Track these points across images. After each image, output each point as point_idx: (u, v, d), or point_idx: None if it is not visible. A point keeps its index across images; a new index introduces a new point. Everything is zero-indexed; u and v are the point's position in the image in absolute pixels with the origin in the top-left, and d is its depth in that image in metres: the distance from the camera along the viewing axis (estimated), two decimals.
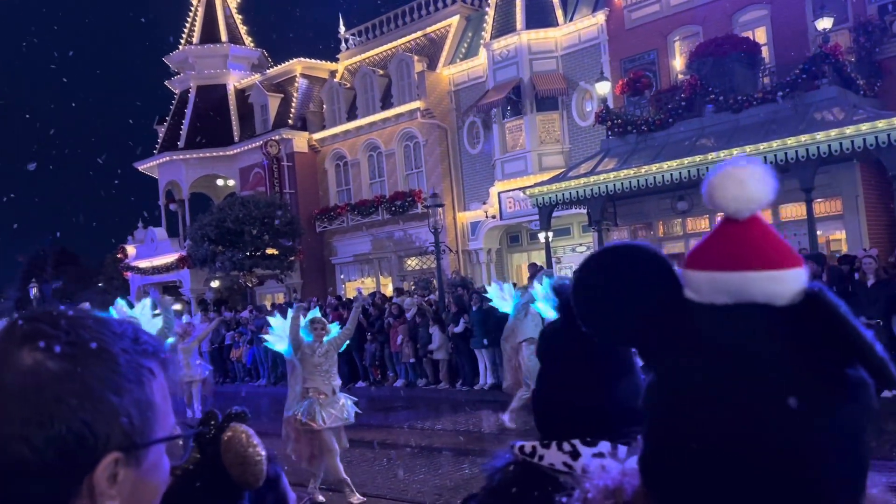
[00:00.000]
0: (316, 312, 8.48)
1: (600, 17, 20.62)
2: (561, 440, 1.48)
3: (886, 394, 10.85)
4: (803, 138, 13.93)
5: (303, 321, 7.90)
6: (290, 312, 8.05)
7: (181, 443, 0.92)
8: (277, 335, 8.35)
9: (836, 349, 0.66)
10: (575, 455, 1.44)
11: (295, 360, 7.87)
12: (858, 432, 0.69)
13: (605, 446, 1.44)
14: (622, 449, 1.39)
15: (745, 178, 0.72)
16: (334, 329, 8.12)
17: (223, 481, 1.43)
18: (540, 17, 21.53)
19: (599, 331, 0.77)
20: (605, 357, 1.49)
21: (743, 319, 0.69)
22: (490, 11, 22.59)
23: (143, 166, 31.05)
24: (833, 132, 13.71)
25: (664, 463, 0.73)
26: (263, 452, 1.46)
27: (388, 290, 23.28)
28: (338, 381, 7.96)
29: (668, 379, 0.73)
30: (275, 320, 8.53)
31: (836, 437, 0.68)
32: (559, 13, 21.62)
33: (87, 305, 0.88)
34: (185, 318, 15.24)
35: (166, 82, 31.52)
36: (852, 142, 13.45)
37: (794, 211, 16.56)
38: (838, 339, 0.66)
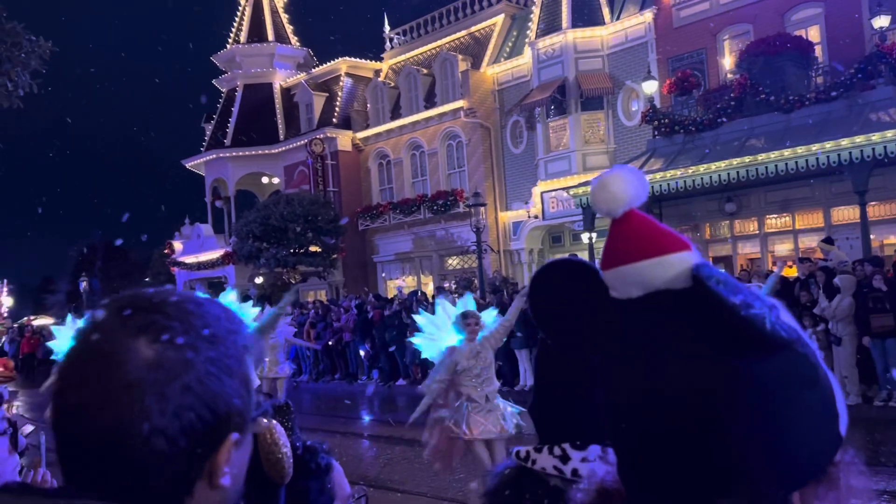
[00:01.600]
0: (470, 302, 7.08)
1: (648, 15, 20.33)
2: (553, 444, 1.56)
3: (878, 402, 10.58)
4: (858, 139, 13.53)
5: (451, 312, 6.81)
6: (439, 305, 7.04)
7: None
8: (429, 334, 7.06)
9: (722, 318, 0.69)
10: (565, 459, 1.53)
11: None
12: (771, 397, 0.71)
13: (594, 450, 1.52)
14: (612, 451, 1.43)
15: (606, 182, 0.79)
16: (488, 320, 6.95)
17: (261, 475, 1.47)
18: (586, 15, 21.32)
19: (554, 338, 0.84)
20: (590, 366, 1.55)
21: (649, 307, 0.75)
22: (535, 10, 22.44)
23: (191, 164, 31.61)
24: (889, 133, 13.29)
25: (618, 452, 0.79)
26: (286, 450, 1.48)
27: (429, 289, 23.30)
28: (494, 386, 6.84)
29: (602, 374, 0.80)
30: (421, 318, 7.25)
31: (744, 406, 0.70)
32: (606, 11, 21.38)
33: (170, 287, 0.88)
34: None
35: (214, 81, 32.04)
36: None
37: (847, 214, 16.11)
38: (719, 308, 0.69)
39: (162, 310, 0.79)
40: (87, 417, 0.74)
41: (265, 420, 1.49)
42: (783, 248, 17.71)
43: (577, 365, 1.56)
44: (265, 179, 30.79)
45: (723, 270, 0.74)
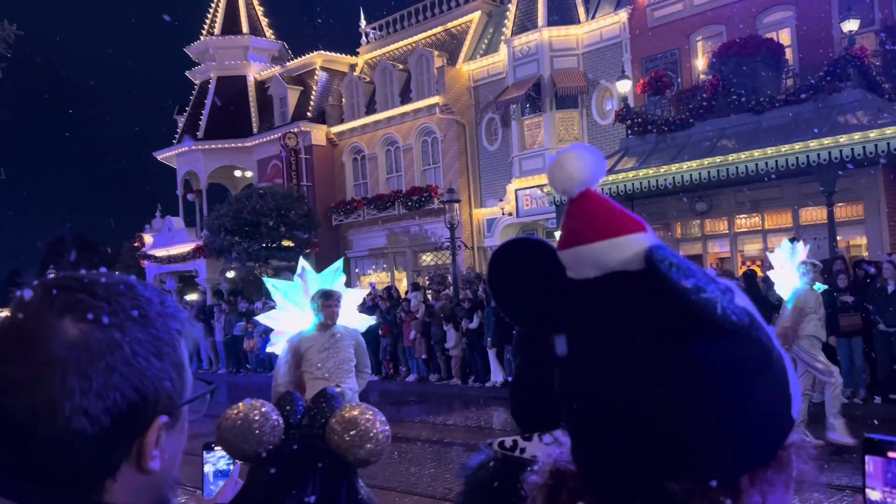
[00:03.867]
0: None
1: (623, 15, 20.47)
2: (542, 432, 1.52)
3: (843, 399, 10.79)
4: (826, 141, 13.76)
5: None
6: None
7: (208, 398, 0.91)
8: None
9: (673, 302, 0.69)
10: (558, 445, 1.50)
11: None
12: (723, 381, 0.71)
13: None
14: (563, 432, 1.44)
15: (563, 162, 0.78)
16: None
17: (335, 461, 1.41)
18: (562, 14, 21.42)
19: (512, 316, 0.83)
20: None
21: (604, 288, 0.74)
22: (511, 8, 22.49)
23: (162, 156, 31.24)
24: (857, 135, 13.53)
25: (571, 435, 0.80)
26: (385, 427, 1.47)
27: (403, 285, 23.28)
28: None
29: (557, 358, 0.79)
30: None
31: (695, 390, 0.70)
32: (581, 11, 21.49)
33: (104, 269, 0.87)
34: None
35: (187, 72, 31.67)
36: (876, 146, 13.27)
37: (814, 214, 16.37)
38: (670, 292, 0.69)
39: (90, 290, 0.79)
40: (6, 395, 0.73)
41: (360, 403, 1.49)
42: (752, 247, 17.96)
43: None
44: (238, 173, 30.52)
45: (679, 254, 0.74)
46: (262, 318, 7.04)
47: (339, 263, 6.60)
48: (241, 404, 1.45)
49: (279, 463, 1.39)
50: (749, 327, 0.72)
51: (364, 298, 7.02)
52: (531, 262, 0.81)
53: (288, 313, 6.28)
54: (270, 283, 6.56)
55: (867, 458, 0.92)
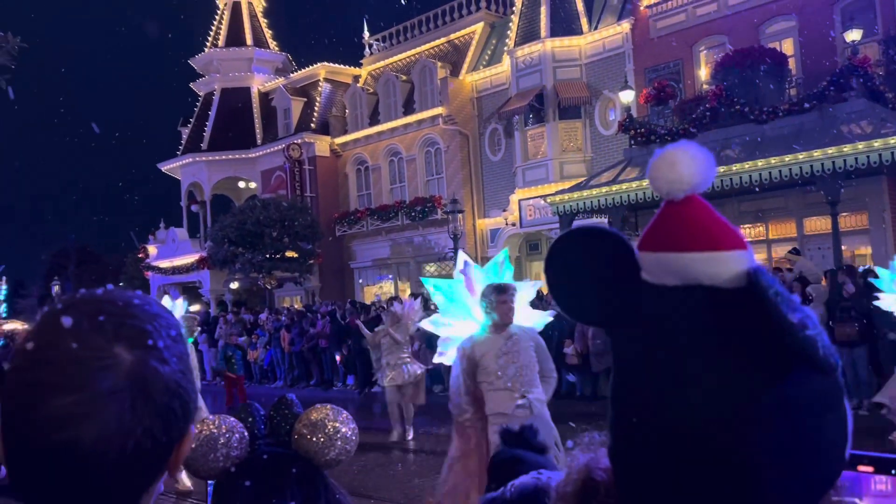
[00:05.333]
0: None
1: (625, 25, 20.52)
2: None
3: (863, 411, 10.75)
4: (830, 151, 13.74)
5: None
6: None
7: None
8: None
9: (773, 333, 0.66)
10: (540, 475, 1.55)
11: None
12: (803, 421, 0.68)
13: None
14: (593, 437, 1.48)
15: (675, 160, 0.74)
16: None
17: (305, 465, 1.41)
18: (564, 25, 21.47)
19: (568, 309, 0.79)
20: None
21: (685, 300, 0.70)
22: (514, 19, 22.56)
23: (167, 167, 31.33)
24: (861, 145, 13.50)
25: (618, 445, 0.75)
26: (353, 425, 1.46)
27: (406, 296, 23.25)
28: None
29: (617, 359, 0.75)
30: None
31: (769, 420, 0.67)
32: (584, 21, 21.55)
33: (110, 286, 0.88)
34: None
35: (191, 84, 31.80)
36: (880, 155, 13.24)
37: (819, 224, 16.34)
38: (772, 322, 0.66)
39: (132, 313, 0.81)
40: (72, 427, 0.74)
41: (324, 405, 1.49)
42: (756, 257, 17.64)
43: None
44: (242, 184, 30.59)
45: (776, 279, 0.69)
46: (426, 325, 5.89)
47: (504, 254, 5.67)
48: (201, 422, 1.43)
49: (252, 474, 1.38)
50: (838, 369, 0.69)
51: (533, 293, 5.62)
52: (598, 255, 0.76)
53: (454, 317, 5.41)
54: (430, 283, 5.61)
55: None
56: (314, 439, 1.41)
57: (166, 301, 9.23)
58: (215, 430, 1.41)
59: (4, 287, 42.40)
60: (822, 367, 0.66)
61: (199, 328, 8.64)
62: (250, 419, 1.48)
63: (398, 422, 11.60)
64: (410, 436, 11.54)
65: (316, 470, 1.41)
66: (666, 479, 0.70)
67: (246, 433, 1.44)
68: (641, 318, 0.72)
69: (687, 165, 0.74)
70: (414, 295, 16.81)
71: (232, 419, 1.45)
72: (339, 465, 1.43)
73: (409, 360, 11.48)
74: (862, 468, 0.95)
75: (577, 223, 18.42)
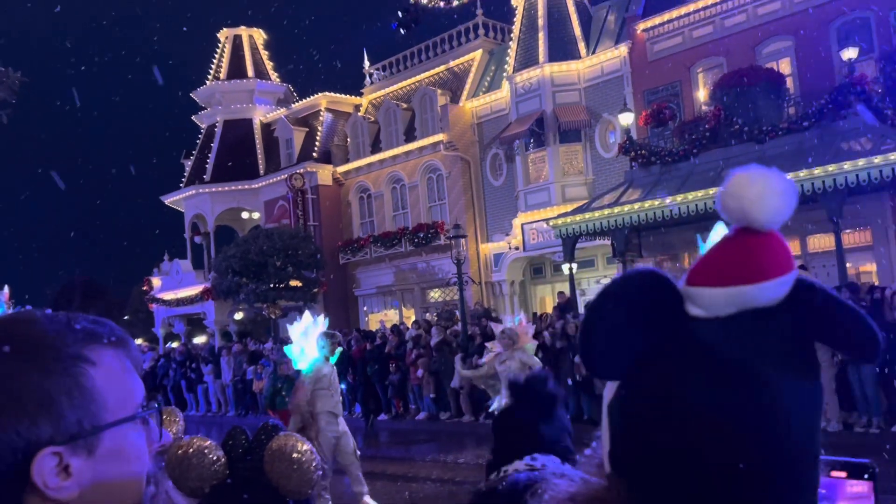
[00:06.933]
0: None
1: (623, 49, 20.69)
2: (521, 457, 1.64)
3: (858, 428, 10.65)
4: (830, 168, 13.77)
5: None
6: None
7: (151, 422, 0.90)
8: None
9: (826, 333, 0.68)
10: (534, 460, 1.60)
11: None
12: (819, 412, 0.72)
13: (553, 460, 1.58)
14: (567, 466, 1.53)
15: (783, 190, 0.73)
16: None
17: (268, 494, 1.42)
18: (562, 49, 21.66)
19: (600, 365, 0.76)
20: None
21: (747, 327, 0.69)
22: (513, 45, 22.77)
23: (170, 199, 31.47)
24: (861, 162, 13.54)
25: (647, 463, 0.73)
26: (317, 456, 1.46)
27: (410, 322, 23.20)
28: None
29: (663, 391, 0.72)
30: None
31: (807, 415, 0.70)
32: (581, 46, 21.73)
33: (28, 308, 0.88)
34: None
35: (193, 117, 32.05)
36: (881, 171, 13.27)
37: (822, 242, 16.32)
38: (832, 323, 0.67)
39: None
40: None
41: (289, 433, 1.49)
42: None
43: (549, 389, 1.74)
44: (245, 214, 30.69)
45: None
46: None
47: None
48: (185, 440, 1.46)
49: (221, 499, 1.39)
50: None
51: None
52: (641, 297, 0.73)
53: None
54: None
55: None
56: (274, 467, 1.41)
57: (307, 317, 8.36)
58: (191, 451, 1.42)
59: None
60: (870, 357, 0.69)
61: (340, 347, 8.11)
62: (231, 442, 1.49)
63: None
64: None
65: (275, 497, 1.40)
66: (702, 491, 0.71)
67: (222, 456, 1.45)
68: (696, 352, 0.70)
69: (793, 196, 0.73)
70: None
71: (211, 441, 1.47)
72: (302, 497, 1.42)
73: None
74: (835, 473, 0.96)
75: (579, 245, 18.41)
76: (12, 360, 0.80)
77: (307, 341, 7.94)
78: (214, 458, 1.44)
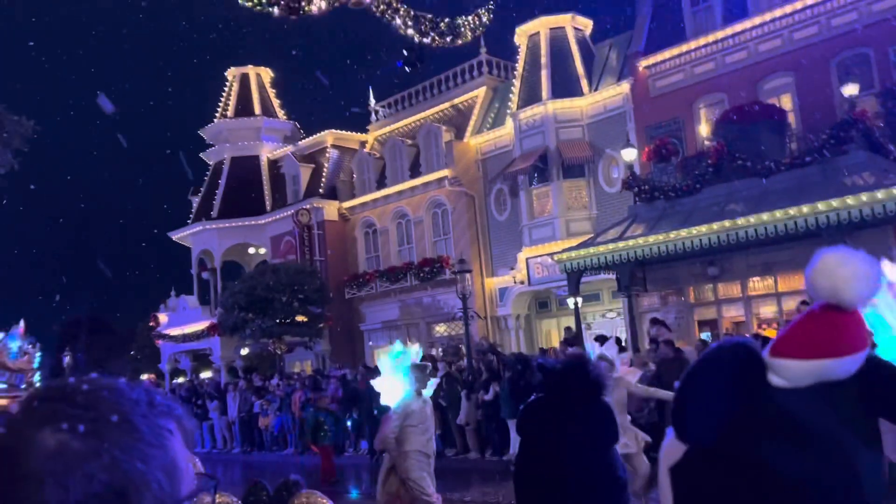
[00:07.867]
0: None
1: (625, 86, 20.94)
2: None
3: None
4: (834, 203, 13.84)
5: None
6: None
7: (212, 492, 0.92)
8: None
9: (888, 408, 0.73)
10: None
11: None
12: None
13: None
14: None
15: (870, 275, 0.77)
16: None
17: None
18: (565, 87, 21.93)
19: (694, 432, 0.80)
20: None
21: (825, 398, 0.75)
22: (516, 83, 23.07)
23: (177, 236, 31.67)
24: (864, 196, 13.61)
25: None
26: None
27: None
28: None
29: (747, 455, 0.77)
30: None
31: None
32: (584, 83, 22.01)
33: (94, 375, 0.88)
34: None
35: (201, 154, 32.40)
36: (884, 206, 13.34)
37: None
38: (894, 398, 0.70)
39: (70, 398, 0.79)
40: None
41: (314, 492, 1.47)
42: (767, 310, 17.85)
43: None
44: (252, 250, 30.84)
45: None
46: None
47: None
48: (208, 497, 1.47)
49: None
50: None
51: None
52: (731, 371, 0.78)
53: None
54: None
55: None
56: None
57: (398, 345, 7.73)
58: None
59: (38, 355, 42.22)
60: None
61: (434, 379, 7.51)
62: (252, 498, 1.49)
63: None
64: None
65: None
66: None
67: None
68: (779, 421, 0.76)
69: (877, 280, 0.77)
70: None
71: (232, 498, 1.45)
72: None
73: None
74: None
75: (584, 279, 18.43)
76: (117, 430, 0.79)
77: (397, 373, 7.38)
78: None
